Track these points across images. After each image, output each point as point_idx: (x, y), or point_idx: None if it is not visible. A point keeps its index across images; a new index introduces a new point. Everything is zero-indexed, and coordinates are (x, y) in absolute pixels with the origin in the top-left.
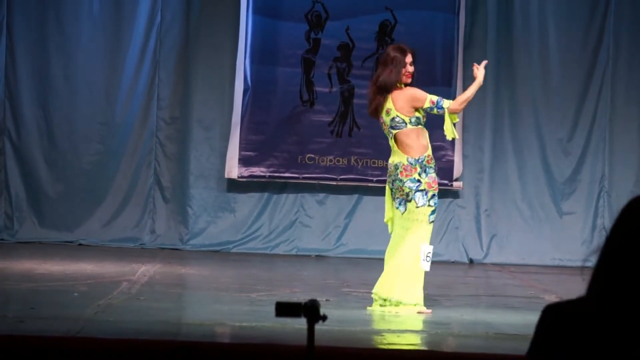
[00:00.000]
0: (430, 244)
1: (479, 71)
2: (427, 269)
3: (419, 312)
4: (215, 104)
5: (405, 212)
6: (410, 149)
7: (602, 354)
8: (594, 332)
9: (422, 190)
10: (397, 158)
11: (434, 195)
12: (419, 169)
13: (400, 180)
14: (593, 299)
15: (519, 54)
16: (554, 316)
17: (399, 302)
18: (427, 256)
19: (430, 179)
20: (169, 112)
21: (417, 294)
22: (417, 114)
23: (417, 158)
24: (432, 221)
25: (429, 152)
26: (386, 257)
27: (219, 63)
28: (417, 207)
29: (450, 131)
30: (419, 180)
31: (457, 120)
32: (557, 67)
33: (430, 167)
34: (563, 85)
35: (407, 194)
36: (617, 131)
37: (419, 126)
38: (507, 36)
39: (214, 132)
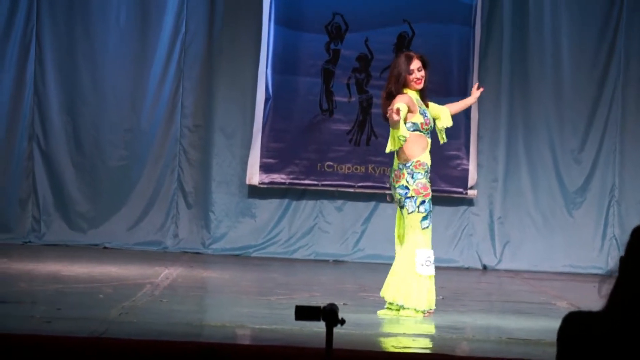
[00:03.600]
0: (432, 247)
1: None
2: (428, 273)
3: (424, 315)
4: (237, 113)
5: (403, 217)
6: (402, 154)
7: None
8: (615, 347)
9: (410, 197)
10: (394, 163)
11: (423, 201)
12: (406, 175)
13: (394, 187)
14: (613, 316)
15: (533, 67)
16: (577, 326)
17: (401, 306)
18: (426, 261)
19: (418, 185)
20: (193, 119)
21: (415, 299)
22: (413, 120)
23: (405, 163)
24: (426, 227)
25: (421, 158)
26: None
27: (241, 73)
28: (409, 213)
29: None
30: (407, 187)
31: (400, 135)
32: (570, 80)
33: (419, 172)
34: (575, 97)
35: (399, 201)
36: (627, 143)
37: (417, 132)
38: (521, 50)
39: (236, 139)
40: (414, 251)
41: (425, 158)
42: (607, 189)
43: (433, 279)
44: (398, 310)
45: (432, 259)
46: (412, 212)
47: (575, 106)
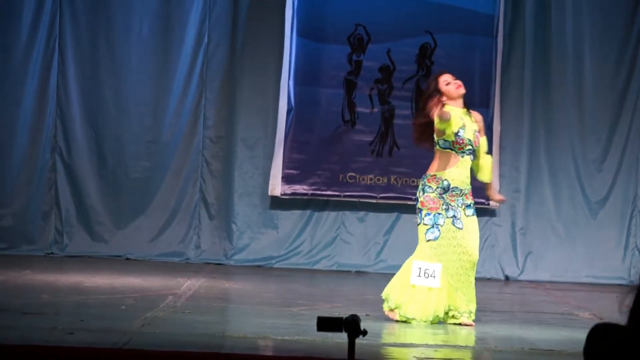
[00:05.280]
0: (436, 261)
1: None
2: (423, 284)
3: (387, 312)
4: (260, 124)
5: None
6: (429, 168)
7: None
8: None
9: (418, 209)
10: None
11: (428, 214)
12: (420, 186)
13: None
14: (635, 331)
15: (555, 78)
16: (604, 339)
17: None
18: (424, 272)
19: (425, 198)
20: (215, 131)
21: (410, 309)
22: (444, 137)
23: (425, 174)
24: (430, 239)
25: (439, 173)
26: None
27: (264, 84)
28: (417, 225)
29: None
30: (417, 199)
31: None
32: (592, 90)
33: (430, 186)
34: (597, 107)
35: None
36: None
37: (448, 150)
38: (543, 60)
39: (258, 150)
40: (412, 262)
41: (447, 175)
42: (629, 199)
43: (435, 291)
44: (392, 310)
45: (431, 271)
46: (419, 223)
47: (598, 116)
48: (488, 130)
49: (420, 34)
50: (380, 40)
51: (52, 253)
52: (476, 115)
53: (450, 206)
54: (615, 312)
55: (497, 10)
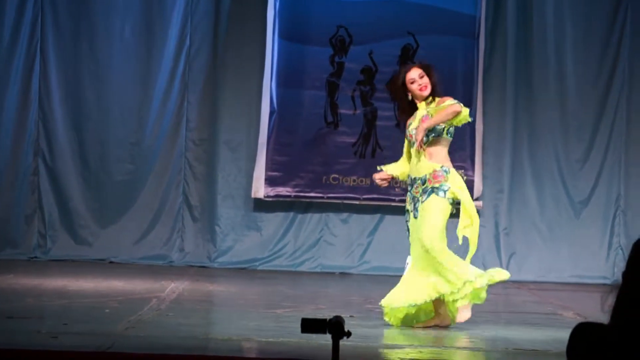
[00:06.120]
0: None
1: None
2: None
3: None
4: (242, 126)
5: None
6: None
7: None
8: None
9: None
10: None
11: None
12: None
13: None
14: (617, 330)
15: (537, 78)
16: (586, 339)
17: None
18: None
19: None
20: (198, 133)
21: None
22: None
23: None
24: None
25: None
26: None
27: (246, 86)
28: None
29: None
30: None
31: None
32: (574, 90)
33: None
34: (580, 107)
35: None
36: (632, 152)
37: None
38: (525, 61)
39: (241, 153)
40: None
41: (410, 170)
42: (612, 199)
43: (403, 281)
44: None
45: (405, 264)
46: None
47: (580, 116)
48: (471, 131)
49: (402, 35)
50: (362, 42)
51: (35, 257)
52: (441, 100)
53: (415, 199)
54: (599, 311)
55: (478, 11)
